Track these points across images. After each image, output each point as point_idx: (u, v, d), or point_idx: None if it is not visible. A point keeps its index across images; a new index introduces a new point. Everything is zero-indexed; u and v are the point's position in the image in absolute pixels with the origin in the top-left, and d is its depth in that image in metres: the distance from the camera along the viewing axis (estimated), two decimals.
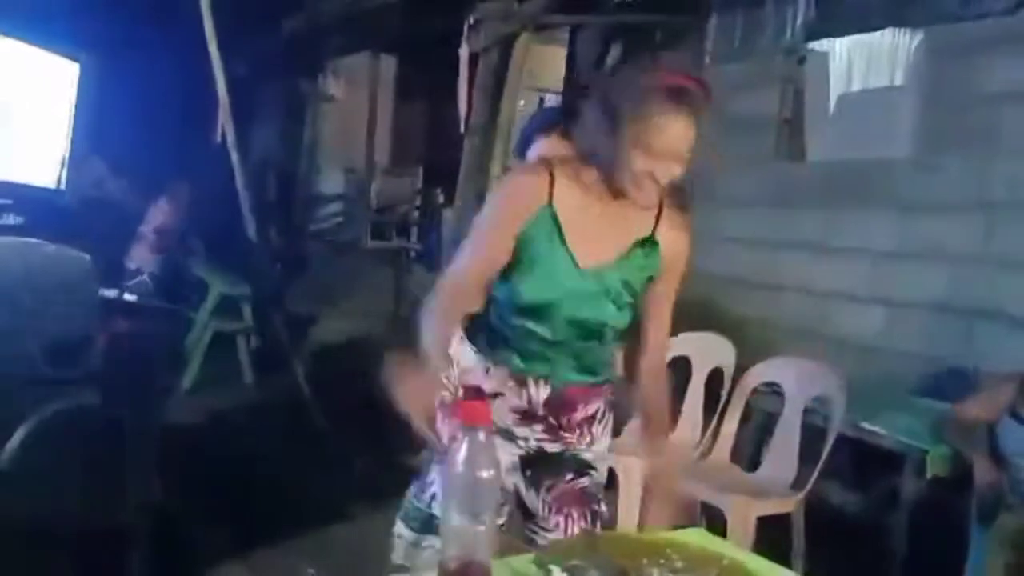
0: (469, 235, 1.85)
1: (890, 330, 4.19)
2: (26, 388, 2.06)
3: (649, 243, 1.83)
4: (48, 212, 2.41)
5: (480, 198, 5.42)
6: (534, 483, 1.93)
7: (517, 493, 1.95)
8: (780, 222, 4.81)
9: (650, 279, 1.85)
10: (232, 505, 3.61)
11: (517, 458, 1.93)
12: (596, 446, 1.96)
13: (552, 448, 1.92)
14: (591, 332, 1.84)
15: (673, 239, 1.84)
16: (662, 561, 1.21)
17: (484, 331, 1.90)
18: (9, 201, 2.23)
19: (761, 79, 5.00)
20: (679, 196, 1.86)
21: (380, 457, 4.06)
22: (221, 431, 4.66)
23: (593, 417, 1.94)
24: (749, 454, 3.70)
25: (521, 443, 1.93)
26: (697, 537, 1.35)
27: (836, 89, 4.72)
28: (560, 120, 2.30)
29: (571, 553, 1.19)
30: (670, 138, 1.65)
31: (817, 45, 4.78)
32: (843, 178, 4.54)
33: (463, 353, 1.94)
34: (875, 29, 4.41)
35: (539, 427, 1.91)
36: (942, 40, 4.09)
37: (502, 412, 1.89)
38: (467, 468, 1.02)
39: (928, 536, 3.25)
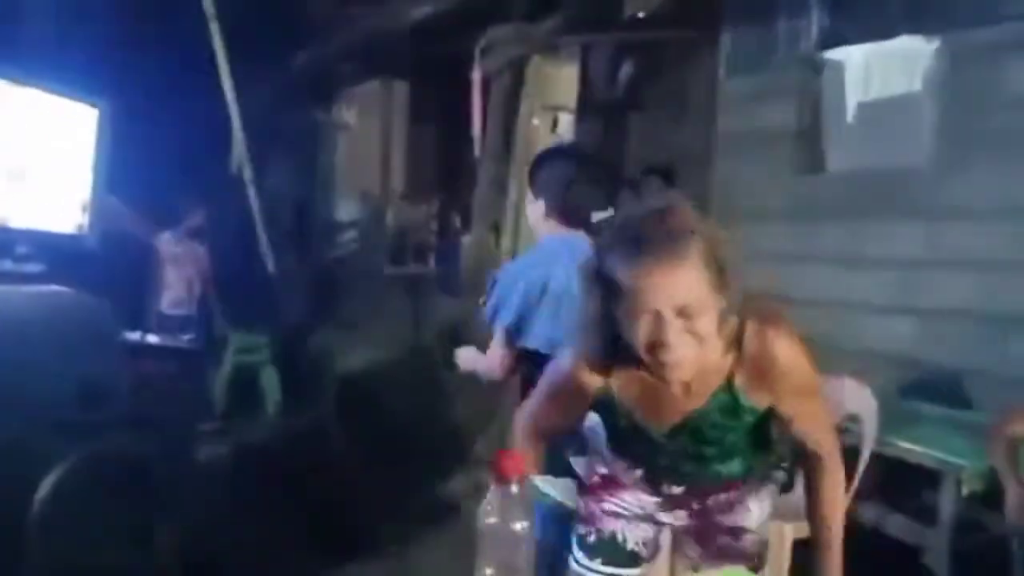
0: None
1: (921, 341, 4.12)
2: (55, 434, 2.05)
3: (728, 390, 1.60)
4: (69, 258, 2.42)
5: (496, 223, 5.42)
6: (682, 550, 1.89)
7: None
8: (802, 235, 4.76)
9: (762, 414, 1.66)
10: (261, 539, 3.60)
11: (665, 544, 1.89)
12: (749, 515, 1.87)
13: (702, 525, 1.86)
14: (701, 478, 1.75)
15: (758, 372, 1.58)
16: None
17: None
18: (30, 249, 2.24)
19: (777, 91, 4.96)
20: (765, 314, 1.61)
21: (406, 485, 4.05)
22: (246, 465, 4.65)
23: (742, 498, 1.84)
24: (782, 476, 3.62)
25: (665, 527, 1.87)
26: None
27: (853, 98, 4.68)
28: None
29: None
30: (650, 293, 1.39)
31: (832, 54, 4.74)
32: (865, 188, 4.48)
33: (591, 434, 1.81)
34: (891, 36, 4.37)
35: (682, 513, 1.84)
36: (960, 45, 4.04)
37: (641, 498, 1.82)
38: (501, 521, 0.99)
39: (970, 554, 3.18)
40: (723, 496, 1.82)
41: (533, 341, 2.46)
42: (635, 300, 1.40)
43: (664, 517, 1.86)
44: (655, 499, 1.82)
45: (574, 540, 1.91)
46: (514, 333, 2.49)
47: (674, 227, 1.41)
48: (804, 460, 1.84)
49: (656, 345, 1.42)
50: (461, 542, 3.37)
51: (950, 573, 3.11)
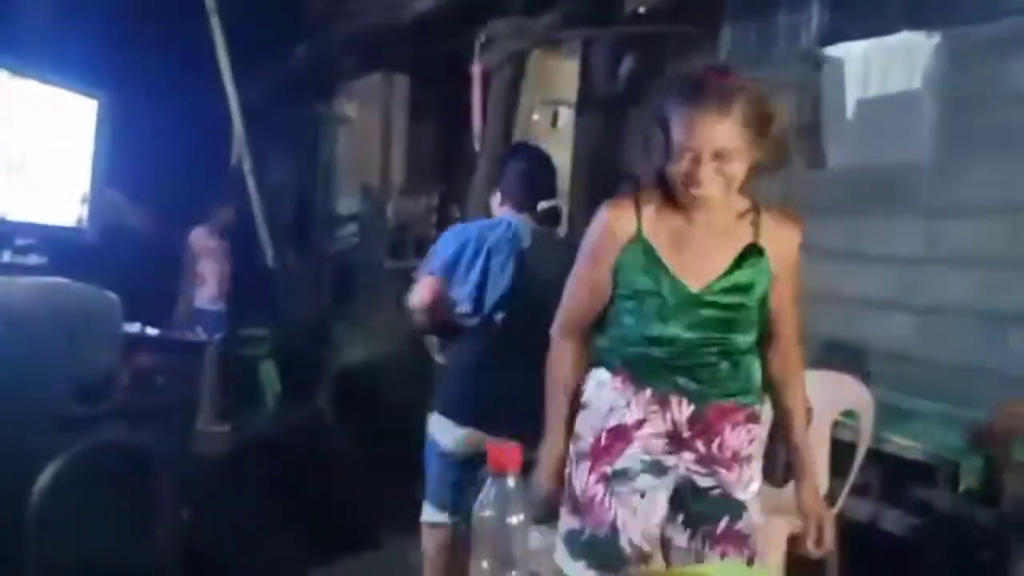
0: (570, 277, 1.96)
1: (919, 338, 4.13)
2: (55, 426, 2.06)
3: (755, 251, 1.85)
4: (71, 250, 2.43)
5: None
6: (689, 525, 1.90)
7: (665, 544, 1.93)
8: (804, 230, 4.76)
9: (767, 287, 1.87)
10: (259, 533, 3.62)
11: (667, 504, 1.91)
12: (750, 487, 1.95)
13: (704, 483, 1.90)
14: (719, 353, 1.86)
15: (778, 239, 1.88)
16: None
17: (618, 358, 1.91)
18: (32, 241, 2.24)
19: (777, 86, 4.94)
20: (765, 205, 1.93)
21: (404, 478, 4.06)
22: (245, 458, 4.67)
23: (743, 456, 1.92)
24: (777, 471, 3.64)
25: (672, 473, 1.90)
26: (735, 571, 1.32)
27: (854, 94, 4.67)
28: None
29: None
30: (695, 134, 1.67)
31: (832, 50, 4.74)
32: (865, 184, 4.48)
33: (598, 394, 1.93)
34: (892, 32, 4.36)
35: (689, 456, 1.89)
36: (960, 41, 4.04)
37: (649, 442, 1.88)
38: (496, 514, 0.99)
39: (965, 549, 3.19)
40: (727, 440, 1.89)
41: (460, 294, 2.78)
42: (682, 139, 1.69)
43: (671, 460, 1.89)
44: (663, 440, 1.88)
45: (562, 534, 1.92)
46: (447, 273, 2.78)
47: (725, 84, 1.69)
48: (770, 343, 2.00)
49: (691, 180, 1.72)
50: (459, 536, 3.39)
51: (945, 568, 3.12)
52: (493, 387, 2.73)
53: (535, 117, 6.01)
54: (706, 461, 1.89)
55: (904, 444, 3.26)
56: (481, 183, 5.46)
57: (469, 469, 2.75)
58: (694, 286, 1.82)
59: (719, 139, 1.67)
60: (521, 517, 1.00)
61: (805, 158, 4.86)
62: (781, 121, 1.77)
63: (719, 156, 1.68)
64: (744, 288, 1.84)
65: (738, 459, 1.91)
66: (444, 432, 2.83)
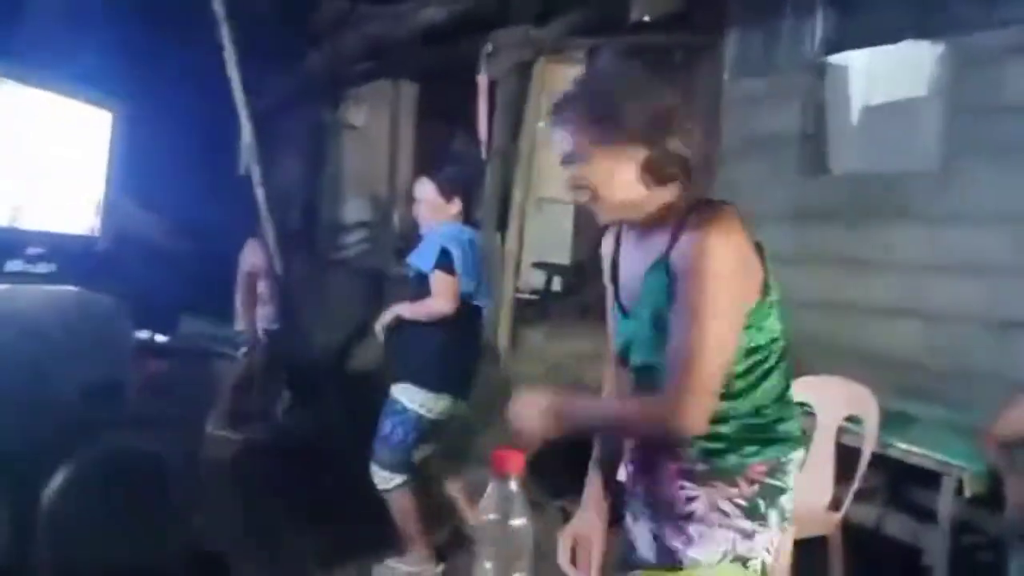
0: None
1: (922, 345, 4.15)
2: (65, 432, 2.08)
3: (662, 263, 1.58)
4: (81, 259, 2.46)
5: (502, 223, 5.46)
6: None
7: None
8: (806, 237, 4.78)
9: (662, 303, 1.58)
10: (270, 540, 3.65)
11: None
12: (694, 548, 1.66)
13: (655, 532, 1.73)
14: (651, 385, 1.61)
15: (683, 244, 1.54)
16: None
17: None
18: (42, 250, 2.27)
19: (782, 93, 4.99)
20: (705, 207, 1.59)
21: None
22: (255, 466, 4.71)
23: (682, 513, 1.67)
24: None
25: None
26: (728, 572, 1.34)
27: (858, 101, 4.70)
28: None
29: None
30: (553, 148, 1.63)
31: (836, 58, 4.77)
32: (868, 191, 4.51)
33: None
34: (896, 40, 4.39)
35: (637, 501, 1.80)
36: (964, 49, 4.06)
37: None
38: (498, 517, 1.02)
39: (968, 555, 3.20)
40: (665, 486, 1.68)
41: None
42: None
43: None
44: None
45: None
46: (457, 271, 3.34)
47: (571, 91, 1.62)
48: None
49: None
50: (464, 540, 3.42)
51: (949, 573, 3.13)
52: (464, 360, 3.53)
53: (540, 125, 6.04)
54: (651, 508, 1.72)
55: (909, 450, 3.26)
56: (488, 191, 5.50)
57: (427, 432, 3.43)
58: (625, 305, 1.71)
59: (557, 145, 1.61)
60: (523, 520, 1.03)
61: (809, 165, 4.89)
62: (668, 115, 1.56)
63: (565, 162, 1.60)
64: (655, 303, 1.61)
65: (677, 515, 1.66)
66: (416, 398, 3.37)
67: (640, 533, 1.73)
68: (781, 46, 4.98)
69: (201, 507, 2.50)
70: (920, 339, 4.17)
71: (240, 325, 5.51)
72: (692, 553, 1.62)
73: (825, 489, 3.27)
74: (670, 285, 1.54)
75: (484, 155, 5.42)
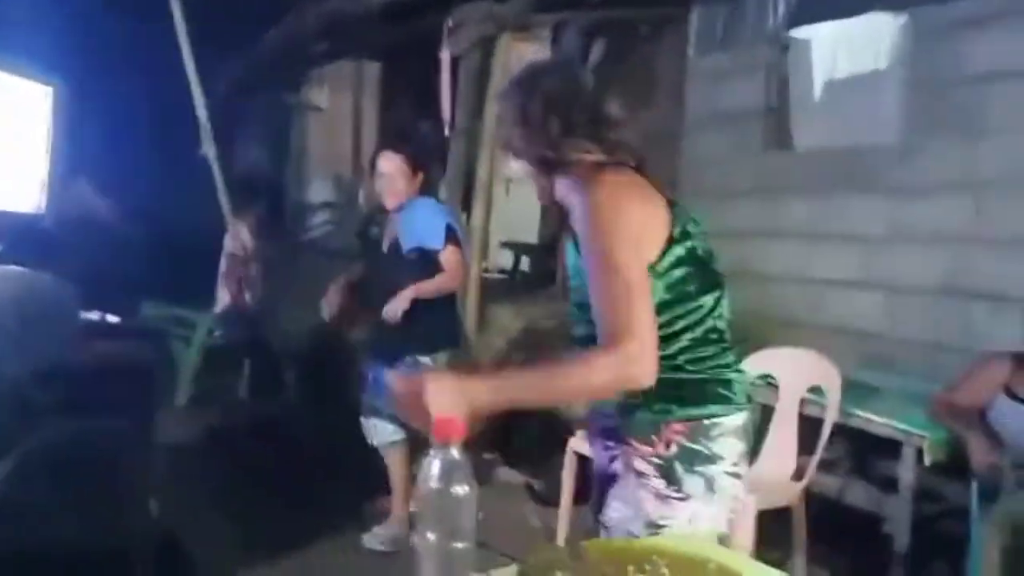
0: None
1: (885, 316, 4.18)
2: (13, 416, 2.03)
3: (570, 237, 1.67)
4: (27, 238, 2.40)
5: (467, 200, 5.42)
6: None
7: None
8: (770, 212, 4.80)
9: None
10: (230, 522, 3.61)
11: None
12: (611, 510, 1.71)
13: None
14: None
15: (575, 214, 1.60)
16: (648, 567, 1.19)
17: None
18: None
19: (746, 68, 4.99)
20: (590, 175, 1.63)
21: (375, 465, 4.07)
22: (217, 446, 4.66)
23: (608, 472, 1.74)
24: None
25: None
26: (685, 542, 1.33)
27: (820, 76, 4.71)
28: None
29: (556, 564, 1.17)
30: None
31: (799, 32, 4.76)
32: (832, 165, 4.53)
33: None
34: (857, 13, 4.39)
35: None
36: (925, 22, 4.08)
37: None
38: (441, 485, 1.00)
39: (930, 523, 3.24)
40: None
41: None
42: None
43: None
44: None
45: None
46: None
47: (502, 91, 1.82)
48: None
49: None
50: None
51: (910, 541, 3.16)
52: (457, 316, 3.77)
53: None
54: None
55: (870, 419, 3.29)
56: (453, 169, 5.45)
57: None
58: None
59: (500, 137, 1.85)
60: (466, 488, 1.01)
61: (773, 140, 4.90)
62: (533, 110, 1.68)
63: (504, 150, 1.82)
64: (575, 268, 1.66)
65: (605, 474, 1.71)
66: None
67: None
68: (745, 20, 4.98)
69: (158, 490, 2.45)
70: (882, 310, 4.20)
71: (219, 307, 5.45)
72: (612, 513, 1.63)
73: (788, 459, 3.29)
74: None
75: (448, 133, 5.37)
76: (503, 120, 1.79)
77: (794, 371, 3.42)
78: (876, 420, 3.29)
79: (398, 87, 7.67)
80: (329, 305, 3.58)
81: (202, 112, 5.20)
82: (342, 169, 8.02)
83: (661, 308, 1.56)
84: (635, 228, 1.53)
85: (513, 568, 1.16)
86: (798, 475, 3.24)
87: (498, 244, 6.72)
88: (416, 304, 3.41)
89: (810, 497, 3.24)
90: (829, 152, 4.58)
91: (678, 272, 1.59)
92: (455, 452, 1.01)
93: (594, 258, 1.51)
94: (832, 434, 3.22)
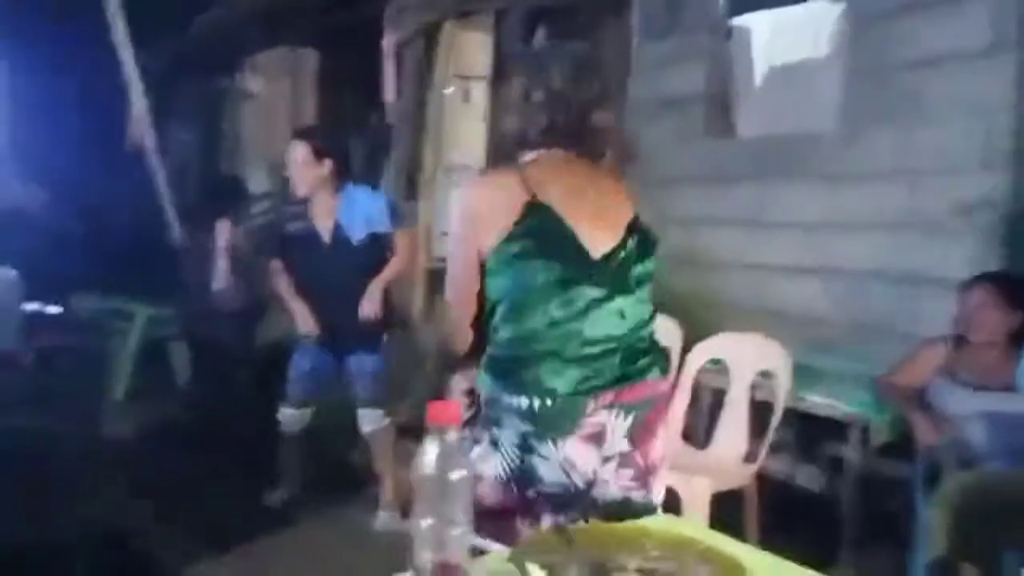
0: None
1: (826, 300, 4.25)
2: None
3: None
4: None
5: (410, 187, 5.37)
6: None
7: None
8: (714, 199, 4.85)
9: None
10: (174, 514, 3.52)
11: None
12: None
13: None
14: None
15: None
16: (637, 551, 1.18)
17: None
18: None
19: (688, 56, 5.02)
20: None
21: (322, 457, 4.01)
22: (158, 439, 4.54)
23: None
24: (699, 432, 3.72)
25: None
26: (670, 524, 1.33)
27: (761, 64, 4.77)
28: None
29: (546, 549, 1.15)
30: None
31: (741, 19, 4.81)
32: (773, 153, 4.58)
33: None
34: (798, 1, 4.45)
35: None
36: (863, 9, 4.14)
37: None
38: (438, 470, 0.97)
39: (877, 503, 3.31)
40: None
41: None
42: None
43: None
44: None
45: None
46: None
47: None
48: None
49: None
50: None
51: (859, 522, 3.23)
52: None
53: (449, 90, 5.94)
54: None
55: (817, 402, 3.35)
56: (397, 158, 5.39)
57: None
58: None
59: None
60: (463, 472, 0.98)
61: (714, 128, 4.95)
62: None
63: None
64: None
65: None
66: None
67: None
68: (687, 7, 5.00)
69: (102, 483, 2.38)
70: (823, 294, 4.28)
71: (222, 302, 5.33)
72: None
73: (740, 443, 3.33)
74: None
75: (390, 120, 5.30)
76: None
77: (744, 356, 3.46)
78: (823, 403, 3.35)
79: (335, 75, 7.54)
80: (307, 324, 3.65)
81: (139, 101, 5.04)
82: (278, 158, 7.86)
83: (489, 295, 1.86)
84: (470, 230, 1.80)
85: (505, 553, 1.14)
86: (750, 458, 3.28)
87: (442, 233, 6.67)
88: (361, 289, 3.58)
89: (761, 480, 3.29)
90: (771, 139, 4.64)
91: (512, 269, 1.80)
92: (451, 437, 0.98)
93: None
94: (782, 417, 3.27)
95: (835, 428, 3.36)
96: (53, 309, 2.48)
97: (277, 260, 3.73)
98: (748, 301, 4.55)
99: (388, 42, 5.25)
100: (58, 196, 5.28)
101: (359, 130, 7.57)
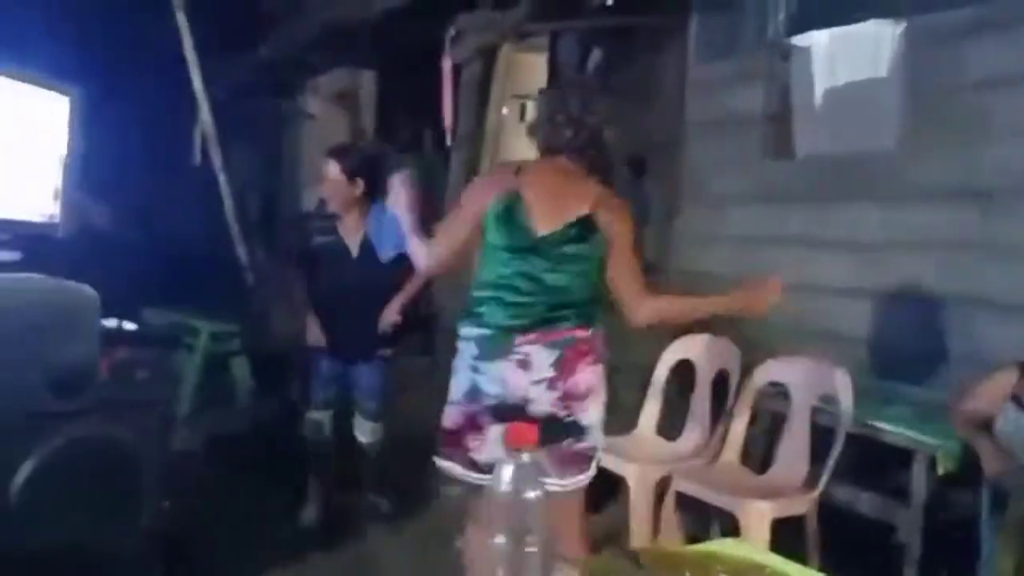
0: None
1: (888, 323, 4.18)
2: (31, 422, 2.02)
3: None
4: (44, 246, 2.38)
5: None
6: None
7: None
8: (772, 219, 4.80)
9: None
10: (234, 527, 3.60)
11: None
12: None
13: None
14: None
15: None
16: (706, 574, 1.18)
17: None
18: (5, 237, 2.20)
19: (745, 76, 5.00)
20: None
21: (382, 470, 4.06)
22: (219, 454, 4.65)
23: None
24: (759, 456, 3.67)
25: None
26: (738, 548, 1.32)
27: (821, 83, 4.71)
28: None
29: (617, 570, 1.15)
30: None
31: (800, 39, 4.78)
32: (832, 173, 4.53)
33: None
34: (858, 20, 4.41)
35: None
36: (925, 29, 4.09)
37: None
38: (513, 490, 0.99)
39: (942, 533, 3.23)
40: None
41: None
42: None
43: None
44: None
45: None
46: None
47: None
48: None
49: None
50: (440, 524, 3.43)
51: (921, 551, 3.16)
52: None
53: (504, 111, 6.00)
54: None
55: (881, 428, 3.28)
56: (454, 178, 5.45)
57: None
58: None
59: None
60: (538, 492, 0.99)
61: (773, 148, 4.91)
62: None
63: None
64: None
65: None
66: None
67: None
68: (745, 28, 4.99)
69: (169, 493, 2.45)
70: (885, 318, 4.20)
71: None
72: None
73: (801, 468, 3.28)
74: None
75: (449, 141, 5.37)
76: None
77: (806, 379, 3.42)
78: (887, 429, 3.27)
79: (394, 96, 7.66)
80: (315, 337, 3.77)
81: (207, 121, 5.18)
82: None
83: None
84: (467, 201, 2.54)
85: (576, 572, 1.15)
86: (811, 484, 3.23)
87: None
88: (380, 303, 3.78)
89: (823, 507, 3.24)
90: (830, 160, 4.58)
91: (493, 229, 2.47)
92: (527, 457, 1.00)
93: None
94: (844, 443, 3.21)
95: (898, 455, 3.29)
96: (129, 325, 2.58)
97: (299, 270, 3.84)
98: (806, 323, 4.48)
99: (447, 64, 5.32)
100: (127, 214, 5.43)
101: (416, 150, 7.69)
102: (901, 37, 4.24)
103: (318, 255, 3.80)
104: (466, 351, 2.40)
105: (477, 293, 2.41)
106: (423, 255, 2.51)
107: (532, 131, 2.54)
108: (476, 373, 2.37)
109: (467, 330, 2.41)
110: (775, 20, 4.83)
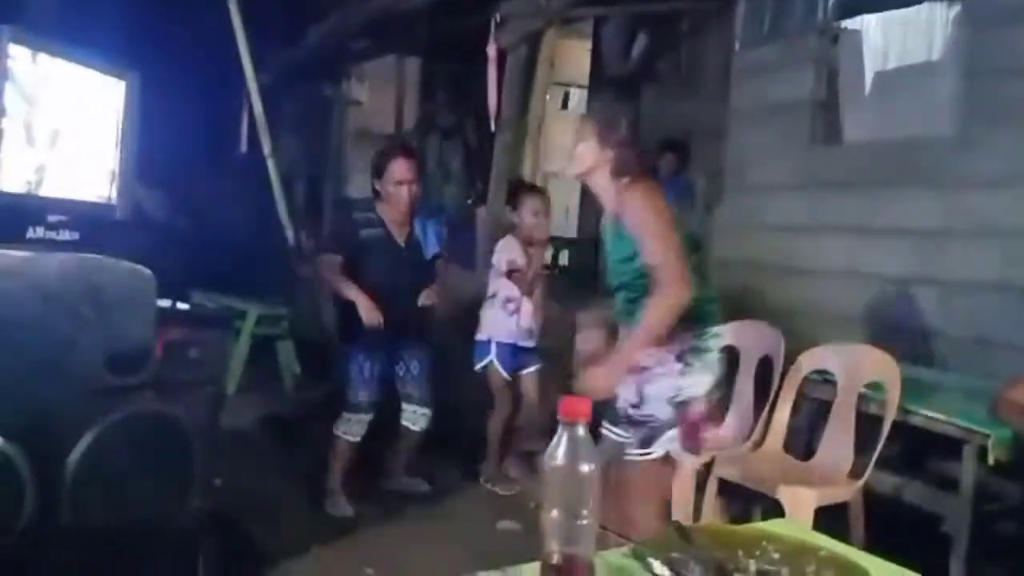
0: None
1: (939, 311, 4.12)
2: (90, 397, 2.08)
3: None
4: (101, 227, 2.45)
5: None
6: None
7: None
8: (820, 206, 4.75)
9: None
10: (281, 504, 3.68)
11: None
12: None
13: None
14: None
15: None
16: (758, 553, 1.18)
17: None
18: (65, 217, 2.26)
19: (793, 61, 4.95)
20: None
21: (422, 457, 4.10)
22: (265, 434, 4.74)
23: None
24: (803, 443, 3.64)
25: None
26: (791, 528, 1.32)
27: (871, 67, 4.66)
28: None
29: (666, 545, 1.16)
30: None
31: (849, 23, 4.71)
32: (882, 158, 4.47)
33: None
34: (910, 4, 4.34)
35: None
36: (978, 11, 4.02)
37: None
38: (567, 462, 1.00)
39: (990, 523, 3.18)
40: None
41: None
42: None
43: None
44: None
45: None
46: None
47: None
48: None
49: None
50: (480, 505, 3.47)
51: (969, 540, 3.11)
52: None
53: (547, 98, 5.99)
54: None
55: (930, 416, 3.23)
56: (498, 164, 5.46)
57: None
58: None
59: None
60: (592, 465, 1.01)
61: (822, 133, 4.85)
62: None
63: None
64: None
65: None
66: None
67: None
68: (792, 12, 4.93)
69: (220, 470, 2.50)
70: (937, 305, 4.14)
71: None
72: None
73: (846, 456, 3.25)
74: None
75: (493, 127, 5.37)
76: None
77: (852, 367, 3.38)
78: (936, 417, 3.22)
79: (438, 83, 7.69)
80: (371, 315, 3.69)
81: (258, 106, 5.25)
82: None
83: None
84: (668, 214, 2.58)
85: (626, 549, 1.16)
86: (856, 472, 3.20)
87: None
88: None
89: (868, 495, 3.21)
90: (880, 145, 4.52)
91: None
92: (581, 430, 1.01)
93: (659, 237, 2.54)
94: (890, 431, 3.18)
95: (947, 444, 3.24)
96: (183, 305, 2.63)
97: (337, 257, 3.80)
98: (854, 310, 4.44)
99: (492, 50, 5.32)
100: (178, 199, 5.54)
101: (458, 138, 7.71)
102: (954, 20, 4.16)
103: (367, 244, 3.82)
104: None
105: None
106: (684, 284, 2.49)
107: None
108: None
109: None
110: (824, 3, 4.76)
